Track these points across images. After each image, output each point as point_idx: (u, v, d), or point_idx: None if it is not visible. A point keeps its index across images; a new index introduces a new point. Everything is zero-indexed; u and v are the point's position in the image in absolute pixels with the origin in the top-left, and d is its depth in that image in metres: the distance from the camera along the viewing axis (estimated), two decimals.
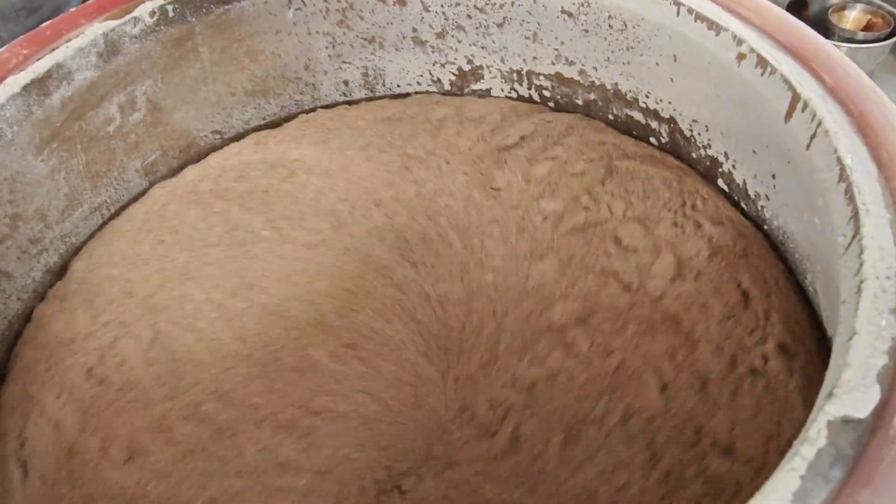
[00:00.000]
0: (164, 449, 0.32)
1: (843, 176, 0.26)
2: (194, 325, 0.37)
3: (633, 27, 0.40)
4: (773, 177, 0.36)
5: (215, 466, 0.31)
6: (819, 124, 0.28)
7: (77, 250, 0.45)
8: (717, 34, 0.34)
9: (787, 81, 0.30)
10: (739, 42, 0.33)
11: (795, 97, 0.30)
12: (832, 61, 0.30)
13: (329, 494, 0.30)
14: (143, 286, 0.39)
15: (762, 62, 0.31)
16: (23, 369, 0.36)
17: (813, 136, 0.28)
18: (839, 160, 0.26)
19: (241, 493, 0.30)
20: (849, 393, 0.19)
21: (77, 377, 0.35)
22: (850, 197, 0.25)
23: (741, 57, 0.33)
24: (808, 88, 0.29)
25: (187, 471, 0.31)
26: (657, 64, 0.41)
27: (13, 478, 0.32)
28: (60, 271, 0.44)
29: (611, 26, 0.42)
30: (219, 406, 0.33)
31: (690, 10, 0.35)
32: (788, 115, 0.30)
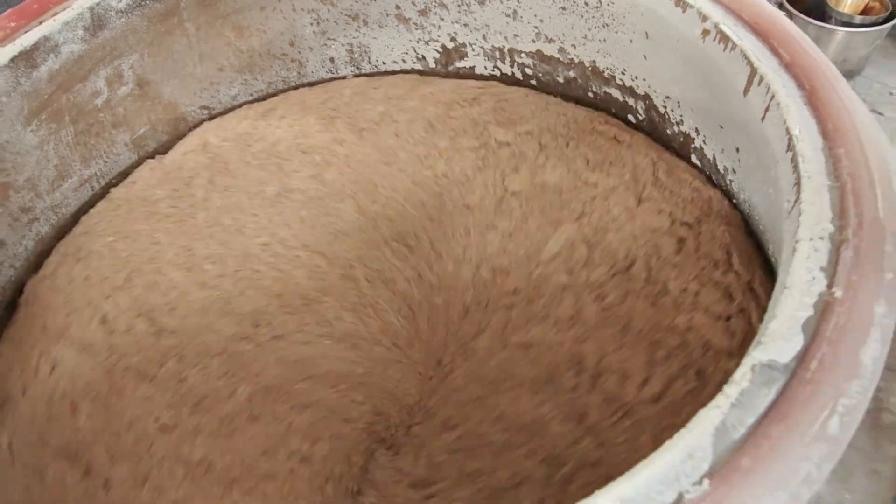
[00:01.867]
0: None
1: (790, 146, 0.27)
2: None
3: (608, 4, 0.41)
4: (737, 150, 0.37)
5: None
6: (772, 97, 0.29)
7: (68, 222, 0.46)
8: (684, 11, 0.35)
9: (746, 57, 0.31)
10: (704, 18, 0.34)
11: (753, 72, 0.31)
12: (791, 39, 0.31)
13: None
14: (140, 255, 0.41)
15: (724, 38, 0.33)
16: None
17: (767, 109, 0.30)
18: (788, 131, 0.27)
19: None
20: (775, 341, 0.20)
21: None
22: (795, 165, 0.26)
23: (705, 33, 0.34)
24: (766, 64, 0.30)
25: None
26: (631, 41, 0.42)
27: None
28: (53, 241, 0.45)
29: (587, 3, 0.43)
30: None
31: None
32: (746, 90, 0.32)
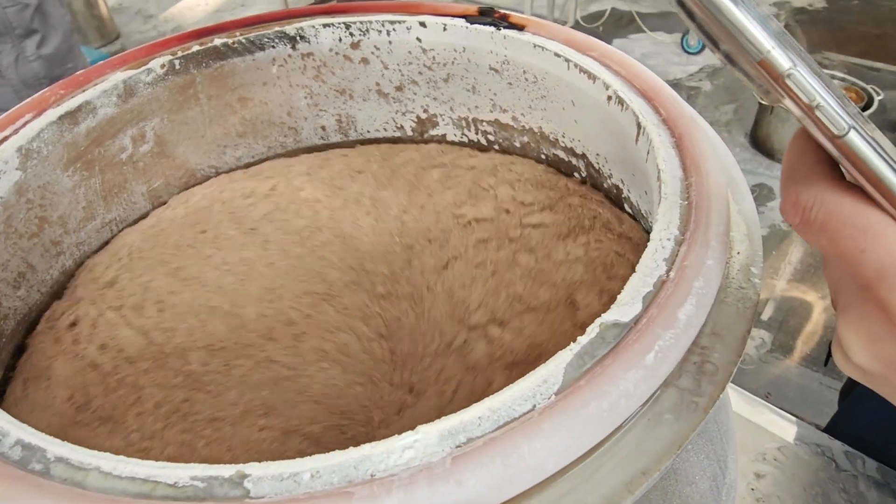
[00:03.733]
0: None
1: (659, 177, 0.35)
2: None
3: (542, 79, 0.51)
4: (646, 193, 0.45)
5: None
6: (650, 143, 0.37)
7: (88, 258, 0.54)
8: (594, 82, 0.44)
9: (635, 114, 0.40)
10: (607, 87, 0.43)
11: (640, 125, 0.39)
12: (668, 100, 0.40)
13: None
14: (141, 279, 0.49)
15: (621, 101, 0.41)
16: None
17: (648, 152, 0.38)
18: (657, 166, 0.35)
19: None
20: (620, 307, 0.27)
21: None
22: (659, 189, 0.34)
23: (609, 98, 0.43)
24: (648, 119, 0.39)
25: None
26: (563, 108, 0.51)
27: None
28: (73, 275, 0.53)
29: (526, 79, 0.52)
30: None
31: (576, 65, 0.45)
32: (637, 139, 0.40)
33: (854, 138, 0.21)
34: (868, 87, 2.39)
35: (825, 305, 1.92)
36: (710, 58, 3.17)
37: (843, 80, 2.44)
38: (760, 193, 2.26)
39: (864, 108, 2.31)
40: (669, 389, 0.26)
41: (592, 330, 0.26)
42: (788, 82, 0.21)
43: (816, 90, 0.21)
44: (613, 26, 3.40)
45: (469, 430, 0.23)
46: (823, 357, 1.76)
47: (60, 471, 0.23)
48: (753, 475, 0.79)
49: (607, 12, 3.25)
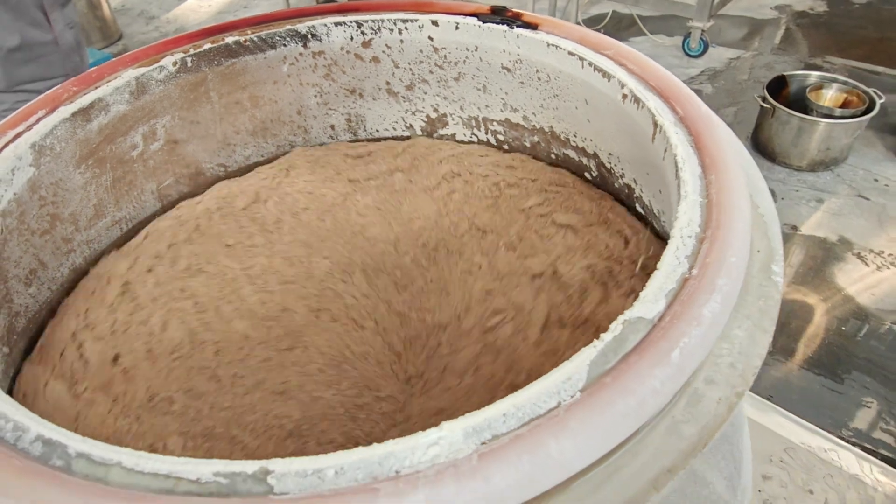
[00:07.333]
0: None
1: (677, 175, 0.35)
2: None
3: (555, 78, 0.51)
4: (660, 192, 0.45)
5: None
6: (668, 141, 0.37)
7: (98, 257, 0.54)
8: (609, 80, 0.44)
9: (651, 113, 0.39)
10: (622, 86, 0.43)
11: (657, 124, 0.39)
12: (684, 98, 0.39)
13: None
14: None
15: (637, 100, 0.41)
16: None
17: (665, 150, 0.38)
18: (675, 164, 0.35)
19: None
20: (644, 304, 0.27)
21: None
22: (678, 187, 0.34)
23: (625, 97, 0.43)
24: (665, 117, 0.39)
25: None
26: (576, 108, 0.51)
27: None
28: (83, 273, 0.53)
29: (539, 78, 0.52)
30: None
31: (591, 64, 0.45)
32: (653, 138, 0.40)
33: None
34: (870, 91, 2.39)
35: (826, 308, 1.92)
36: (711, 61, 3.17)
37: (844, 83, 2.45)
38: None
39: (866, 112, 2.32)
40: (694, 384, 0.26)
41: (616, 327, 0.26)
42: None
43: None
44: (615, 29, 3.40)
45: (494, 428, 0.23)
46: (825, 360, 1.76)
47: (82, 467, 0.23)
48: (760, 477, 0.78)
49: (608, 15, 3.25)
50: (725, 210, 0.31)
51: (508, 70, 0.54)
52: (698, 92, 2.94)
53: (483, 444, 0.22)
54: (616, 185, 0.54)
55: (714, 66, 3.26)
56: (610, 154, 0.52)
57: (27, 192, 0.42)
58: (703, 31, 3.06)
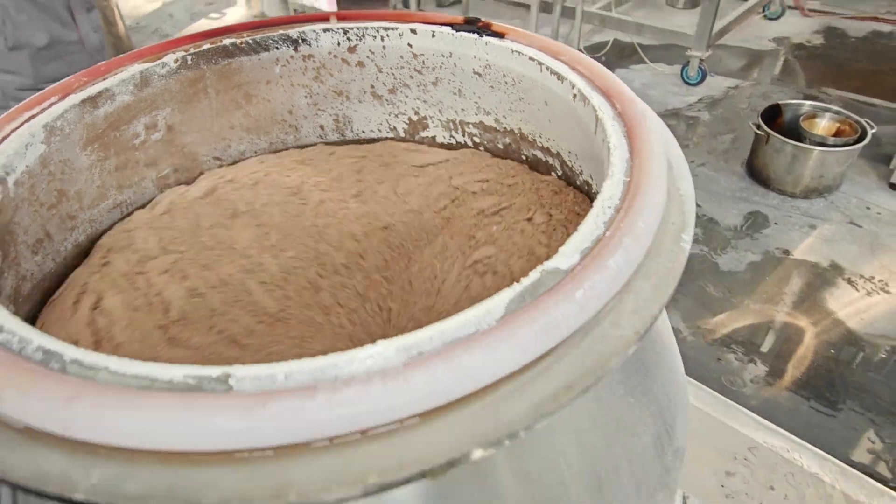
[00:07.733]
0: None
1: (608, 159, 0.39)
2: None
3: (520, 82, 0.56)
4: None
5: None
6: (605, 132, 0.42)
7: (99, 236, 0.59)
8: (563, 83, 0.49)
9: (594, 108, 0.44)
10: (573, 86, 0.48)
11: (598, 118, 0.44)
12: (625, 97, 0.44)
13: None
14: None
15: (584, 98, 0.46)
16: None
17: (603, 141, 0.42)
18: (608, 150, 0.40)
19: None
20: (561, 257, 0.32)
21: None
22: (609, 171, 0.38)
23: (575, 96, 0.48)
24: (605, 113, 0.44)
25: None
26: (539, 109, 0.56)
27: None
28: (86, 249, 0.57)
29: (506, 82, 0.57)
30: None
31: (548, 68, 0.51)
32: (595, 131, 0.45)
33: None
34: (861, 121, 2.45)
35: (816, 332, 1.96)
36: (709, 89, 3.25)
37: (837, 112, 2.52)
38: (755, 221, 2.30)
39: (858, 141, 2.38)
40: (601, 325, 0.31)
41: (534, 275, 0.31)
42: None
43: None
44: (616, 57, 3.49)
45: (421, 346, 0.27)
46: (814, 381, 1.79)
47: (76, 370, 0.27)
48: (724, 473, 0.82)
49: (610, 43, 3.34)
50: (643, 187, 0.36)
51: (480, 75, 0.59)
52: (696, 119, 3.01)
53: (410, 358, 0.27)
54: (577, 182, 0.59)
55: (712, 95, 3.32)
56: (569, 152, 0.57)
57: (38, 166, 0.47)
58: (701, 59, 3.13)
